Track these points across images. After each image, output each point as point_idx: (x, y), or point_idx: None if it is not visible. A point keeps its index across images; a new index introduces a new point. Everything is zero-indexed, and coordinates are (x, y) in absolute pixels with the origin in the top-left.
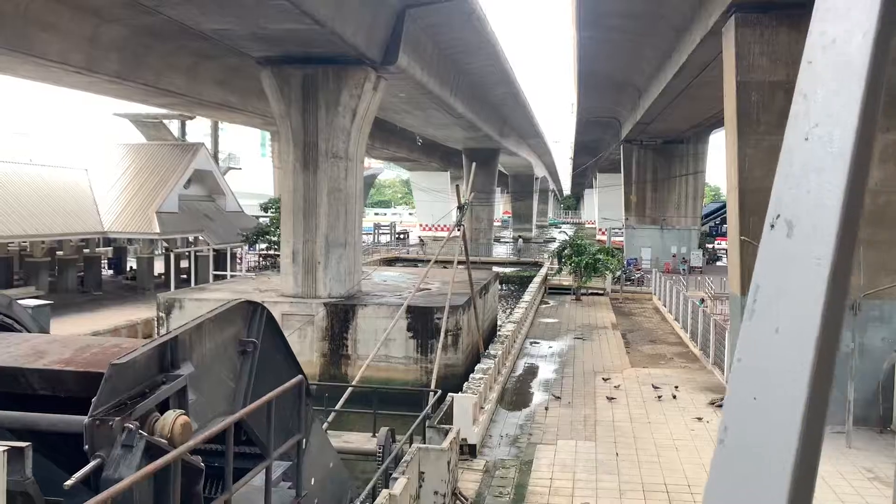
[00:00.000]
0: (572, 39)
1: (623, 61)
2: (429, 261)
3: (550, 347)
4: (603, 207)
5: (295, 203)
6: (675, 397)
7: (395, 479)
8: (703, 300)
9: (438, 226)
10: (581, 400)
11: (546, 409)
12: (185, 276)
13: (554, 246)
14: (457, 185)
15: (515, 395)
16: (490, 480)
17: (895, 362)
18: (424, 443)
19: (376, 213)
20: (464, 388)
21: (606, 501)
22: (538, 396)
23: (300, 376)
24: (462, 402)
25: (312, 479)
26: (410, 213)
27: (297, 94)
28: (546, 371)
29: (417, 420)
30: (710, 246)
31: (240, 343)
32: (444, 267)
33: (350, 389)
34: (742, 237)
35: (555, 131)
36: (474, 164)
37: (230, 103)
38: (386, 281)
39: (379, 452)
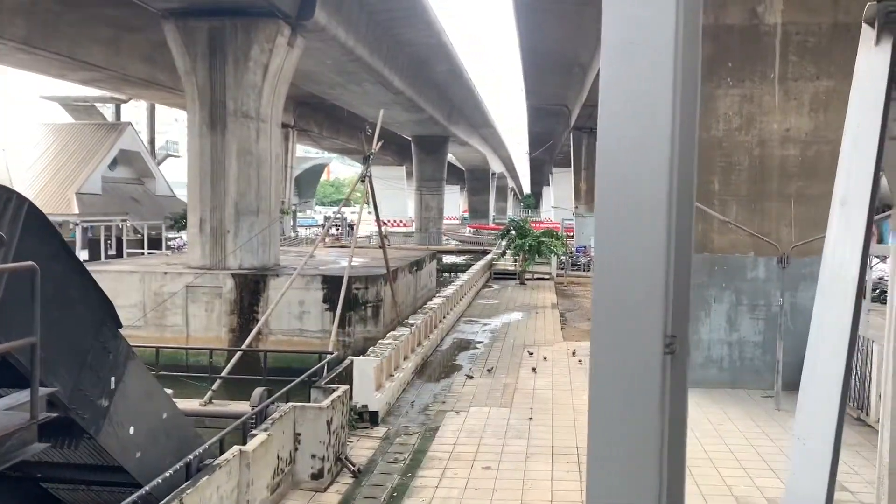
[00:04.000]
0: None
1: (565, 35)
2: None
3: (485, 325)
4: (557, 200)
5: (202, 167)
6: None
7: (254, 435)
8: None
9: (395, 221)
10: (504, 371)
11: (469, 377)
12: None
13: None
14: (362, 134)
15: (438, 368)
16: (387, 447)
17: None
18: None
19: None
20: (367, 352)
21: (509, 465)
22: (461, 368)
23: (31, 263)
24: (362, 366)
25: (131, 428)
26: (369, 212)
27: (204, 48)
28: (476, 346)
29: (297, 380)
30: None
31: None
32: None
33: (238, 354)
34: None
35: (511, 130)
36: (381, 111)
37: (159, 81)
38: (314, 257)
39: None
